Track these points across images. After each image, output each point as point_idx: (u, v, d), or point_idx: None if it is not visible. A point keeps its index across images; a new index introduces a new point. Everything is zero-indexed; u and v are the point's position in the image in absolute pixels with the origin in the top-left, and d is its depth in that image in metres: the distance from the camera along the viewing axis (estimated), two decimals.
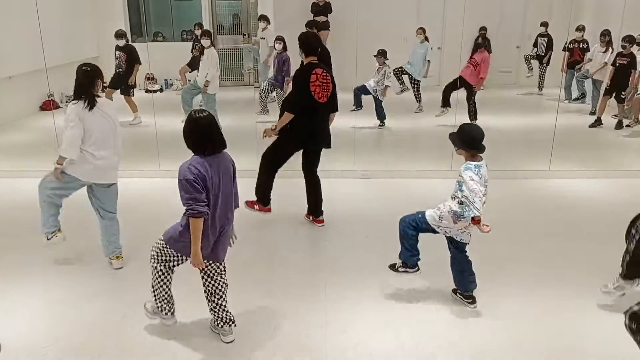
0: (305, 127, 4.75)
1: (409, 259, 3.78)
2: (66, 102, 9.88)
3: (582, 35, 9.91)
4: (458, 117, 8.26)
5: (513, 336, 3.46)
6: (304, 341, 3.42)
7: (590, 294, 3.91)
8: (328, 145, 5.05)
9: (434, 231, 3.67)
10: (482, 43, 8.47)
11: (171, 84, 11.00)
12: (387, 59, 8.47)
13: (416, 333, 3.49)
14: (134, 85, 8.95)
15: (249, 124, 8.33)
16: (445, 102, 8.80)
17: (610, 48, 9.11)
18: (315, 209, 5.15)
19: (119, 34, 8.64)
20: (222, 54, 11.81)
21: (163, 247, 3.29)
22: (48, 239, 4.30)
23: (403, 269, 3.83)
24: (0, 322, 3.64)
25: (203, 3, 11.47)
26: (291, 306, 3.80)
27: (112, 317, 3.67)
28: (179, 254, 3.29)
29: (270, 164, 4.94)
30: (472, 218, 3.43)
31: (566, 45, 9.95)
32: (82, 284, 4.13)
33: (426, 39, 9.55)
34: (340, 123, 8.81)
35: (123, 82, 8.81)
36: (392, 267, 3.91)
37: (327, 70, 4.73)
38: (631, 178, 6.45)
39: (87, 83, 4.00)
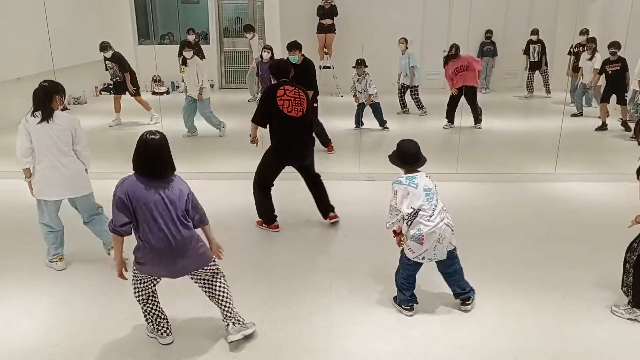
0: (281, 142, 4.90)
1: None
2: (73, 103, 9.97)
3: (586, 39, 9.92)
4: (464, 119, 8.27)
5: (518, 339, 3.45)
6: (308, 343, 3.42)
7: (595, 298, 3.91)
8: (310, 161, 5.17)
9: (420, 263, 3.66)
10: (453, 54, 8.61)
11: (177, 87, 11.04)
12: (367, 66, 8.37)
13: (421, 336, 3.49)
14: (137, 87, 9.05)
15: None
16: (451, 117, 8.87)
17: (595, 54, 9.26)
18: (324, 209, 5.21)
19: (103, 46, 8.71)
20: (227, 57, 11.89)
21: (134, 274, 3.27)
22: (49, 262, 4.41)
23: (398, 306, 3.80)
24: (7, 322, 3.67)
25: (210, 6, 11.53)
26: (295, 308, 3.81)
27: (116, 318, 3.69)
28: (150, 275, 3.26)
29: (261, 183, 5.03)
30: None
31: (571, 49, 9.94)
32: (87, 284, 4.16)
33: (407, 48, 9.64)
34: (345, 125, 8.92)
35: (126, 87, 8.93)
36: (395, 299, 3.87)
37: (300, 88, 4.90)
38: (637, 182, 6.40)
39: (44, 97, 4.10)
